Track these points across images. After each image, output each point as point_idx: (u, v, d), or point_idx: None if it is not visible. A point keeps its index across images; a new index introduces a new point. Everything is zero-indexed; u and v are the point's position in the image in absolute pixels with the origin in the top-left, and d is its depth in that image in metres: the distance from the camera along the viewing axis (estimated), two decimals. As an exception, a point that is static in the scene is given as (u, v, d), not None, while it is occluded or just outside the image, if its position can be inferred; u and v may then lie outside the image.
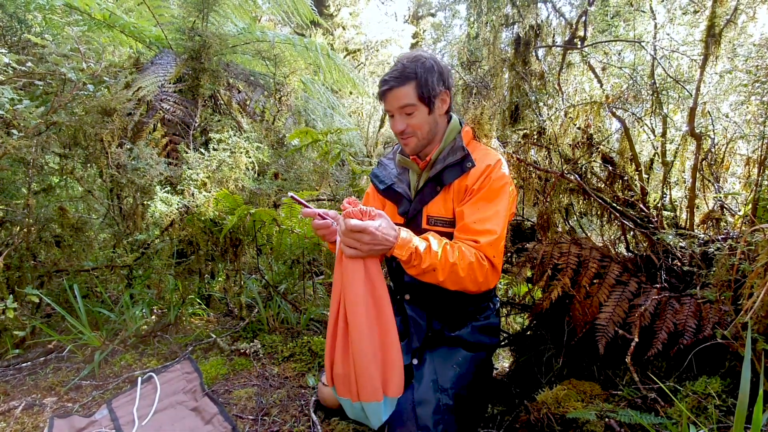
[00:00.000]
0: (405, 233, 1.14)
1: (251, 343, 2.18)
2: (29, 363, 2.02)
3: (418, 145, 1.34)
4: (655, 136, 2.09)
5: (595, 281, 1.61)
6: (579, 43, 2.31)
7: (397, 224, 1.43)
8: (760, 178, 1.54)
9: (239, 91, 3.46)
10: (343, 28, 8.65)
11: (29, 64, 2.12)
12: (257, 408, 1.72)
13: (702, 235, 1.72)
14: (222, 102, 3.36)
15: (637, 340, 1.36)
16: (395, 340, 1.15)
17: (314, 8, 3.94)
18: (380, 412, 1.13)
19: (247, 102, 3.39)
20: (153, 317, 2.48)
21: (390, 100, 1.28)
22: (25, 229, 2.14)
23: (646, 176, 2.04)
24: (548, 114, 2.27)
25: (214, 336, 2.28)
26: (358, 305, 1.09)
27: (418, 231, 1.35)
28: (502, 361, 2.72)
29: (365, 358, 1.09)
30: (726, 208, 1.88)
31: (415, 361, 1.35)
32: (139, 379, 1.86)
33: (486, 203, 1.26)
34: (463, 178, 1.30)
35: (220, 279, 2.93)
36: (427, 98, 1.27)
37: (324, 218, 1.23)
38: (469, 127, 1.44)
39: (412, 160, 1.40)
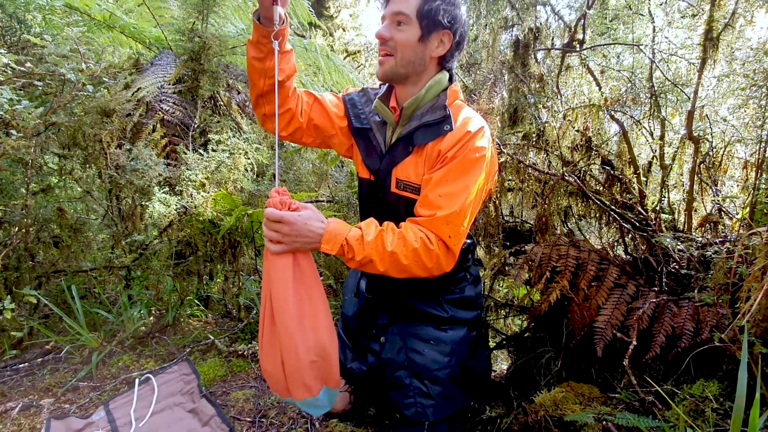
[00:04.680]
0: (334, 225, 1.03)
1: (249, 345, 2.18)
2: (26, 364, 2.01)
3: (392, 69, 1.15)
4: (653, 139, 2.10)
5: (593, 284, 1.61)
6: (578, 46, 2.32)
7: (367, 181, 1.29)
8: (757, 182, 1.55)
9: (239, 92, 3.46)
10: (344, 30, 8.68)
11: (28, 64, 2.13)
12: (255, 410, 1.72)
13: (700, 239, 1.72)
14: (221, 103, 3.36)
15: (635, 343, 1.36)
16: (332, 336, 1.08)
17: (311, 9, 3.95)
18: (318, 404, 1.09)
19: (247, 103, 3.39)
20: (151, 318, 2.48)
21: (392, 1, 1.12)
22: (23, 230, 2.14)
23: (645, 179, 2.04)
24: (547, 116, 2.27)
25: (212, 337, 2.28)
26: (287, 305, 1.00)
27: (388, 195, 1.23)
28: (501, 363, 2.72)
29: (296, 360, 1.02)
30: (724, 211, 1.89)
31: (382, 339, 1.27)
32: (137, 380, 1.86)
33: (456, 175, 1.10)
34: (438, 142, 1.14)
35: (218, 280, 2.93)
36: (424, 18, 1.10)
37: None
38: (458, 86, 1.26)
39: (391, 108, 1.24)
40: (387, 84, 1.28)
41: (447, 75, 1.21)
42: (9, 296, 1.92)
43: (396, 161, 1.20)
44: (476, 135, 1.12)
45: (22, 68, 2.11)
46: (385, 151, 1.24)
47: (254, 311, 2.56)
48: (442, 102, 1.16)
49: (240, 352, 2.13)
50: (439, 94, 1.19)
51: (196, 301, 2.66)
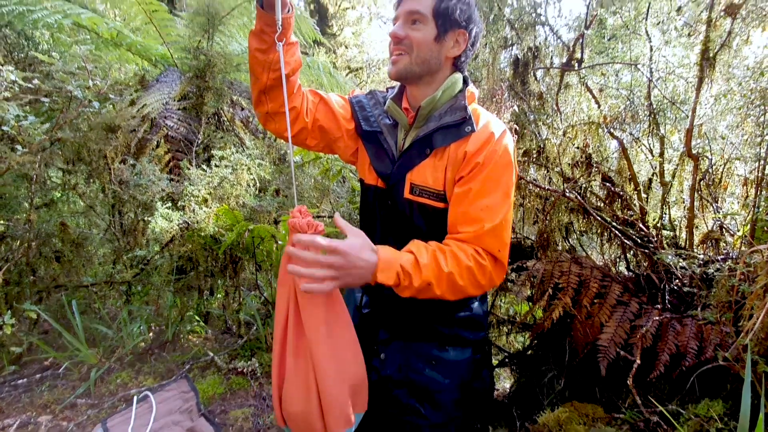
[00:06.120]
0: (385, 251, 0.94)
1: (249, 362, 2.16)
2: (25, 380, 2.00)
3: (406, 68, 1.10)
4: (653, 156, 2.11)
5: (596, 301, 1.61)
6: (576, 64, 2.35)
7: (374, 188, 1.21)
8: (757, 199, 1.55)
9: (242, 109, 3.50)
10: (346, 47, 8.83)
11: (36, 81, 2.16)
12: (254, 429, 1.70)
13: (702, 256, 1.72)
14: (225, 119, 3.40)
15: (638, 362, 1.35)
16: (361, 358, 1.05)
17: (316, 27, 4.02)
18: None
19: (250, 119, 3.43)
20: (150, 334, 2.46)
21: (406, 0, 1.09)
22: (25, 244, 2.14)
23: (645, 195, 2.05)
24: (547, 133, 2.30)
25: (211, 354, 2.26)
26: (320, 334, 0.94)
27: (399, 201, 1.15)
28: (503, 381, 2.68)
29: (338, 389, 0.96)
30: (725, 228, 1.89)
31: (382, 356, 1.22)
32: (135, 398, 1.84)
33: (494, 185, 1.05)
34: (461, 144, 1.08)
35: (219, 296, 2.92)
36: (441, 17, 1.07)
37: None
38: (476, 88, 1.22)
39: (404, 110, 1.18)
40: (398, 86, 1.24)
41: (461, 77, 1.17)
42: (9, 311, 1.92)
43: (411, 165, 1.13)
44: (502, 137, 1.08)
45: (30, 85, 2.15)
46: (398, 155, 1.17)
47: (254, 327, 2.54)
48: (461, 103, 1.11)
49: (239, 369, 2.11)
50: (456, 95, 1.14)
51: (197, 317, 2.65)
